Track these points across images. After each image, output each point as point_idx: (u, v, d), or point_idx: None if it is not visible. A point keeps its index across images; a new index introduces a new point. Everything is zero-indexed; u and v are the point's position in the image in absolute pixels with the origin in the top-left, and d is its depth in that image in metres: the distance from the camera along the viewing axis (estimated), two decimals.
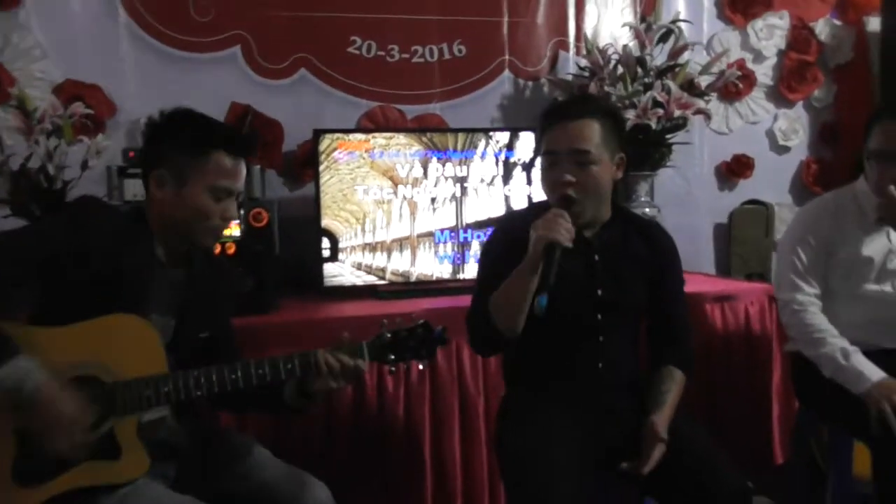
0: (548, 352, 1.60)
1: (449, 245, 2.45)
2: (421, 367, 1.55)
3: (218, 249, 2.05)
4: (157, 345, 1.39)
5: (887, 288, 1.97)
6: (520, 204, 2.47)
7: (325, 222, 2.33)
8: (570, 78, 2.76)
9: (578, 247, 1.50)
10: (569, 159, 1.56)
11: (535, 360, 1.63)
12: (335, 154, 2.32)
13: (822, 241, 1.96)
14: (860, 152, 2.92)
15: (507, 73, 2.77)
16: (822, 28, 3.06)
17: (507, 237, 1.65)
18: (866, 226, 1.96)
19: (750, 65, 2.99)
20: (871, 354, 1.87)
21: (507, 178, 2.47)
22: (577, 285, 1.48)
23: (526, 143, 2.47)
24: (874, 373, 1.77)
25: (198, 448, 1.50)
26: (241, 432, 1.79)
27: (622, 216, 1.71)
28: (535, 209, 1.73)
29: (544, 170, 1.62)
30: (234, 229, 2.07)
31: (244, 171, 1.51)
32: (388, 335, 1.51)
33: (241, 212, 2.07)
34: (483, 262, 1.72)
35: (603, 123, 1.58)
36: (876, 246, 1.96)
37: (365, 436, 2.04)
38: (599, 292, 1.61)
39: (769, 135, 3.09)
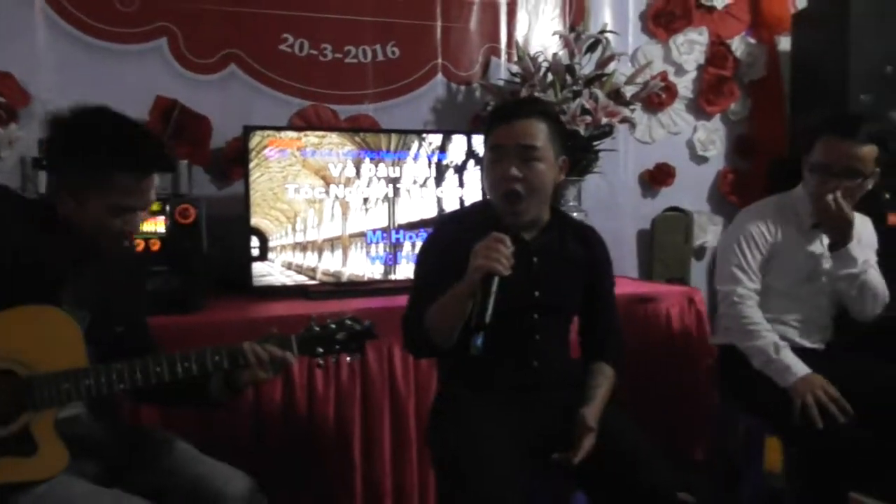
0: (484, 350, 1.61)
1: (381, 246, 2.44)
2: (349, 359, 1.54)
3: (141, 246, 1.99)
4: (78, 338, 1.33)
5: (815, 290, 2.11)
6: (452, 206, 2.49)
7: (255, 220, 2.28)
8: (501, 83, 2.81)
9: (518, 248, 1.51)
10: (516, 154, 1.58)
11: (470, 358, 1.63)
12: (266, 151, 2.28)
13: (763, 240, 2.08)
14: (772, 163, 3.11)
15: (439, 76, 2.80)
16: (738, 45, 3.23)
17: (446, 240, 1.66)
18: (803, 230, 2.10)
19: (672, 77, 3.12)
20: (793, 351, 1.97)
21: (439, 180, 2.49)
22: (515, 286, 1.51)
23: (458, 145, 2.50)
24: (801, 368, 1.87)
25: (117, 445, 1.44)
26: (163, 429, 1.73)
27: (559, 220, 1.75)
28: (475, 210, 1.76)
29: (489, 165, 1.63)
30: (158, 225, 2.00)
31: (154, 184, 1.42)
32: (317, 328, 1.50)
33: (167, 208, 2.01)
34: (420, 265, 1.72)
35: (549, 124, 1.62)
36: (810, 249, 2.09)
37: (295, 436, 2.01)
38: (536, 294, 1.64)
39: (689, 145, 3.22)
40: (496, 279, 1.43)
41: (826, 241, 2.06)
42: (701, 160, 3.24)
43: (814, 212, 2.04)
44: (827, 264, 2.08)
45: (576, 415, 1.56)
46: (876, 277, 2.06)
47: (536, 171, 1.58)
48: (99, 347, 1.41)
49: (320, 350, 1.50)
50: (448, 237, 1.65)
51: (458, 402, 1.64)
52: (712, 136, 3.23)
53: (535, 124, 1.60)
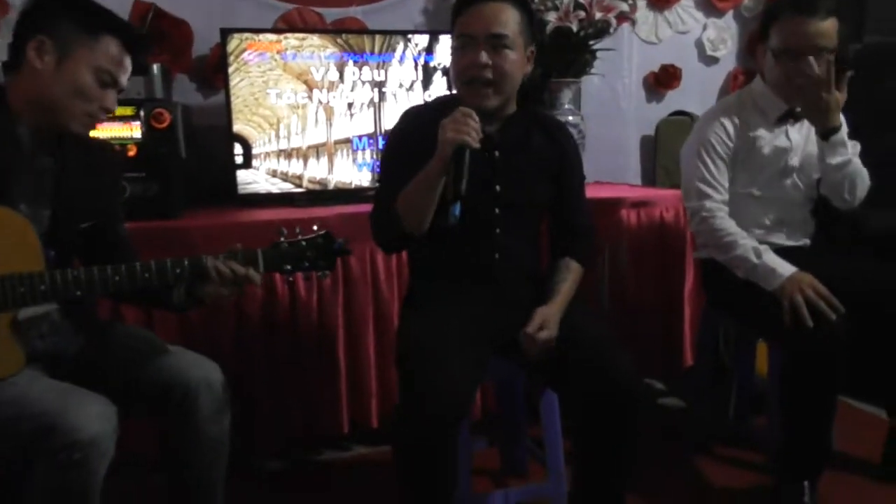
0: (448, 244, 1.60)
1: (368, 152, 2.40)
2: (319, 276, 1.50)
3: (132, 151, 1.98)
4: (31, 237, 1.33)
5: (787, 186, 2.01)
6: None
7: (237, 127, 2.25)
8: None
9: (480, 142, 1.47)
10: (486, 43, 1.53)
11: (435, 252, 1.63)
12: (244, 55, 2.22)
13: (725, 147, 1.96)
14: None
15: None
16: None
17: (411, 129, 1.63)
18: (767, 126, 1.98)
19: None
20: (778, 253, 1.88)
21: (426, 83, 2.41)
22: (475, 179, 1.47)
23: (446, 46, 2.40)
24: (786, 269, 1.79)
25: (85, 342, 1.46)
26: (138, 326, 1.76)
27: (526, 113, 1.69)
28: (440, 103, 1.70)
29: (457, 52, 1.58)
30: (134, 130, 1.99)
31: (129, 69, 1.43)
32: (286, 245, 1.46)
33: (142, 113, 1.99)
34: (386, 156, 1.69)
35: (520, 10, 1.56)
36: (777, 144, 1.98)
37: (278, 342, 2.05)
38: (498, 188, 1.60)
39: (698, 45, 3.06)
40: (468, 152, 1.42)
41: (794, 132, 1.98)
42: (710, 61, 3.09)
43: (794, 100, 1.92)
44: (795, 158, 1.99)
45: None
46: (858, 161, 1.94)
47: (506, 59, 1.53)
48: (62, 246, 1.41)
49: (288, 267, 1.47)
50: (412, 128, 1.62)
51: (423, 297, 1.65)
52: (723, 35, 3.06)
53: (507, 10, 1.53)
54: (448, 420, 1.37)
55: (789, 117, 1.99)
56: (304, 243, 1.47)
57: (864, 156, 1.95)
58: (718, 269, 1.98)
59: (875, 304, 1.80)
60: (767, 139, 1.98)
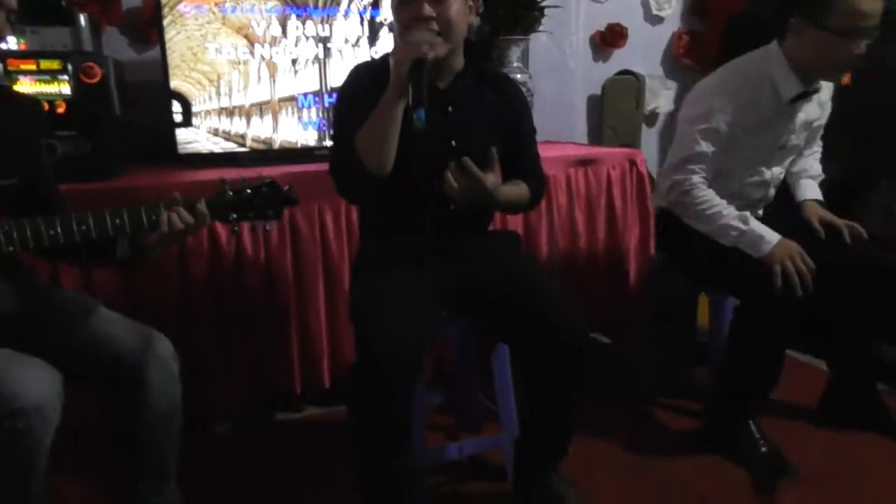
0: (401, 202, 1.58)
1: (314, 110, 2.34)
2: (268, 227, 1.46)
3: (45, 109, 1.87)
4: None
5: (776, 170, 2.04)
6: None
7: (175, 84, 2.15)
8: None
9: (432, 98, 1.44)
10: None
11: (388, 211, 1.61)
12: (180, 7, 2.11)
13: (732, 127, 1.88)
14: (728, 21, 2.95)
15: None
16: None
17: (361, 84, 1.58)
18: (779, 109, 1.91)
19: None
20: None
21: (373, 39, 2.35)
22: (430, 136, 1.45)
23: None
24: (773, 235, 1.80)
25: (20, 304, 1.39)
26: (81, 292, 1.69)
27: (474, 68, 1.66)
28: (388, 59, 1.66)
29: (398, 8, 1.53)
30: (62, 86, 1.88)
31: None
32: (230, 193, 1.41)
33: (70, 67, 1.88)
34: (338, 110, 1.64)
35: None
36: (780, 128, 1.95)
37: (225, 302, 1.99)
38: (453, 143, 1.58)
39: (643, 4, 3.08)
40: (425, 64, 1.40)
41: (800, 115, 1.96)
42: (655, 20, 3.11)
43: (830, 78, 1.92)
44: (797, 138, 2.00)
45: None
46: None
47: (450, 8, 1.49)
48: None
49: (234, 216, 1.42)
50: (362, 83, 1.57)
51: (375, 257, 1.63)
52: None
53: None
54: (401, 380, 1.36)
55: (800, 98, 1.91)
56: (249, 191, 1.43)
57: None
58: (675, 219, 2.00)
59: (821, 261, 1.81)
60: (773, 123, 1.93)
